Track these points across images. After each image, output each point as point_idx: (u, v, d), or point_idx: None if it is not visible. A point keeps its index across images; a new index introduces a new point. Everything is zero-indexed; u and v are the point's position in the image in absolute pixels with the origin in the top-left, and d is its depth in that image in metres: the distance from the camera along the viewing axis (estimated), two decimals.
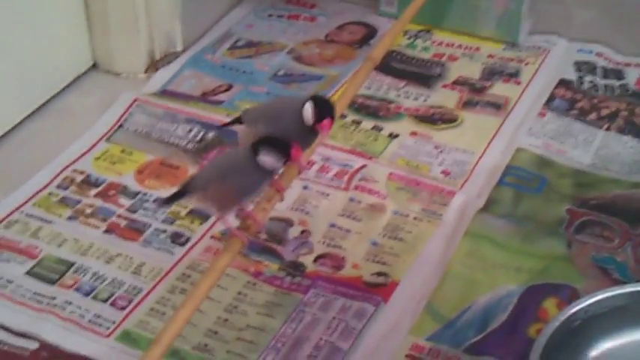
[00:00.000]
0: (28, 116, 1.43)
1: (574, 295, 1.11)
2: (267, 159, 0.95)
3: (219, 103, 1.46)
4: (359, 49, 1.59)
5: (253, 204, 1.01)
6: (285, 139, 0.95)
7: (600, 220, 1.23)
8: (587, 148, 1.36)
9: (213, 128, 1.38)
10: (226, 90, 1.49)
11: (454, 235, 1.21)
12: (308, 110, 0.98)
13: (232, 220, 1.01)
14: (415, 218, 1.24)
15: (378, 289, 1.14)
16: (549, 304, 1.11)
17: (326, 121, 0.99)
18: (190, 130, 1.39)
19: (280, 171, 1.00)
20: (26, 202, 1.26)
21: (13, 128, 1.40)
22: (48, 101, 1.46)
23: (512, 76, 1.51)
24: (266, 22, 1.67)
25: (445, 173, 1.32)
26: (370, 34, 1.63)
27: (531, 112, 1.43)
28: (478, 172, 1.32)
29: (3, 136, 1.38)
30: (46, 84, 1.46)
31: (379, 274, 1.16)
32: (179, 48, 1.57)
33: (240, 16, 1.68)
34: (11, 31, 1.36)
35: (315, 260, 1.18)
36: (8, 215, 1.24)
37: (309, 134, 1.01)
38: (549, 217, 1.24)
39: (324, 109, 0.99)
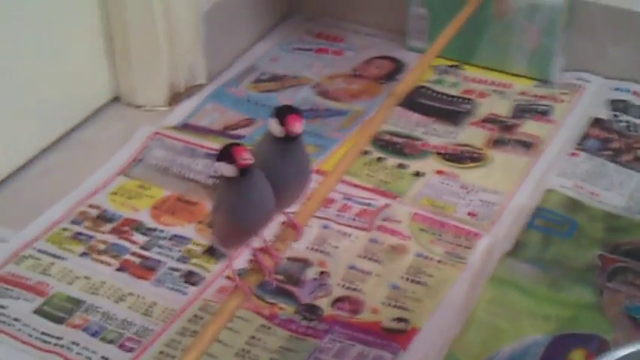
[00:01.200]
0: (47, 148, 1.41)
1: (603, 347, 1.06)
2: (218, 167, 0.88)
3: (240, 137, 1.42)
4: (385, 84, 1.55)
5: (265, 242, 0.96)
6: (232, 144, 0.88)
7: (634, 267, 1.17)
8: (621, 190, 1.30)
9: None
10: (248, 124, 1.46)
11: (479, 280, 1.16)
12: (272, 124, 0.91)
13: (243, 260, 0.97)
14: (439, 261, 1.19)
15: (397, 336, 1.09)
16: (577, 356, 1.05)
17: (290, 117, 0.90)
18: (209, 166, 1.35)
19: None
20: (39, 237, 1.23)
21: (32, 160, 1.38)
22: (67, 133, 1.44)
23: (544, 114, 1.46)
24: (291, 55, 1.63)
25: (471, 214, 1.27)
26: (398, 68, 1.60)
27: (563, 152, 1.38)
28: (506, 214, 1.27)
29: (21, 167, 1.36)
30: (66, 115, 1.44)
31: (399, 319, 1.11)
32: (202, 81, 1.54)
33: (265, 49, 1.65)
34: (34, 61, 1.34)
35: (333, 303, 1.14)
36: (20, 250, 1.21)
37: (287, 145, 0.93)
38: (579, 262, 1.18)
39: (284, 111, 0.91)
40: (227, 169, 0.88)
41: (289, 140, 0.92)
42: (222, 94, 1.53)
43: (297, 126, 0.90)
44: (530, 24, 1.50)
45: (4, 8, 1.28)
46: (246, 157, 0.86)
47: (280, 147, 0.92)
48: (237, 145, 0.87)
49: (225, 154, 0.87)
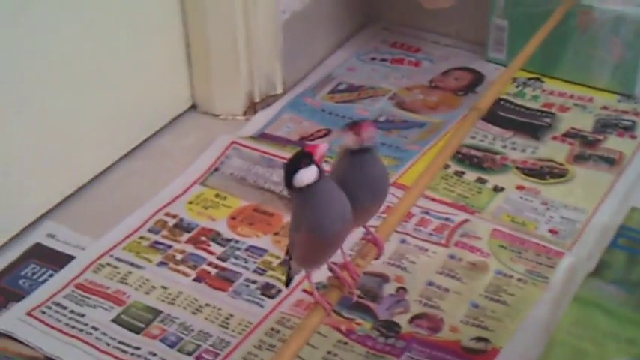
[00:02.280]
0: (125, 156, 1.41)
1: None
2: (301, 175, 0.84)
3: None
4: (464, 97, 1.53)
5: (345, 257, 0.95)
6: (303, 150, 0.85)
7: None
8: None
9: None
10: (325, 135, 1.45)
11: (561, 300, 1.13)
12: (348, 136, 0.88)
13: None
14: (519, 280, 1.17)
15: (478, 356, 1.07)
16: None
17: (364, 125, 0.87)
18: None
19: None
20: (117, 245, 1.24)
21: (109, 168, 1.39)
22: (145, 141, 1.45)
23: (627, 129, 1.42)
24: (369, 65, 1.62)
25: (552, 232, 1.24)
26: (476, 80, 1.57)
27: None
28: (588, 232, 1.23)
29: (98, 176, 1.37)
30: (143, 124, 1.44)
31: (479, 338, 1.09)
32: (279, 90, 1.53)
33: (342, 59, 1.64)
34: (112, 69, 1.35)
35: (411, 320, 1.12)
36: (98, 258, 1.22)
37: (364, 158, 0.90)
38: None
39: (358, 122, 0.89)
40: (308, 174, 0.84)
41: (365, 152, 0.89)
42: (299, 104, 1.52)
43: (372, 131, 0.88)
44: (615, 37, 1.47)
45: (85, 17, 1.29)
46: (322, 150, 0.84)
47: (357, 161, 0.90)
48: (307, 147, 0.85)
49: (300, 160, 0.84)
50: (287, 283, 0.99)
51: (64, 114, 1.29)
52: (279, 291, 1.16)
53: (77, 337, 1.10)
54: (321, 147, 0.85)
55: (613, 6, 1.47)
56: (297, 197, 0.87)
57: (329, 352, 1.08)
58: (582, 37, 1.49)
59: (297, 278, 1.15)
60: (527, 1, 1.52)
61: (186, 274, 1.19)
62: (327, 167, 0.88)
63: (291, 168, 0.85)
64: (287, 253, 0.94)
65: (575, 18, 1.49)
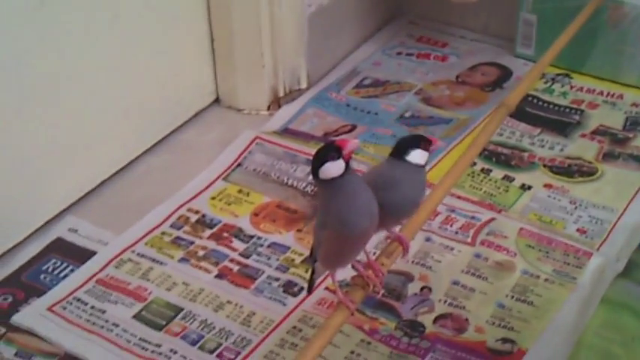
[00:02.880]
0: (148, 150, 1.40)
1: None
2: (327, 167, 0.83)
3: None
4: (491, 92, 1.51)
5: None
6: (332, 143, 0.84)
7: None
8: None
9: None
10: (350, 131, 1.43)
11: (590, 302, 1.11)
12: (416, 155, 0.89)
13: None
14: (546, 280, 1.14)
15: (503, 358, 1.05)
16: None
17: (432, 139, 0.90)
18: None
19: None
20: (139, 240, 1.23)
21: (132, 162, 1.38)
22: (168, 135, 1.43)
23: None
24: (394, 60, 1.60)
25: (581, 232, 1.22)
26: (504, 76, 1.55)
27: None
28: (618, 232, 1.21)
29: (120, 170, 1.36)
30: (167, 117, 1.43)
31: (505, 340, 1.07)
32: (303, 85, 1.52)
33: (368, 53, 1.62)
34: (136, 63, 1.34)
35: (435, 320, 1.10)
36: (120, 254, 1.21)
37: (418, 174, 0.91)
38: None
39: (419, 139, 0.90)
40: (336, 167, 0.82)
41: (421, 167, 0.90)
42: (324, 99, 1.50)
43: (438, 144, 0.91)
44: None
45: (110, 10, 1.28)
46: (352, 146, 0.82)
47: (413, 176, 0.90)
48: (338, 141, 0.83)
49: (328, 153, 0.82)
50: (310, 289, 0.97)
51: (86, 107, 1.28)
52: (302, 289, 1.15)
53: (97, 334, 1.09)
54: (352, 142, 0.83)
55: None
56: (324, 191, 0.85)
57: (352, 352, 1.06)
58: (612, 32, 1.47)
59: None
60: None
61: (208, 271, 1.18)
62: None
63: (319, 159, 0.83)
64: (311, 254, 0.91)
65: (606, 13, 1.46)
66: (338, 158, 0.82)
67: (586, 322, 1.08)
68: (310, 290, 0.97)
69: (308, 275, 0.96)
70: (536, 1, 1.52)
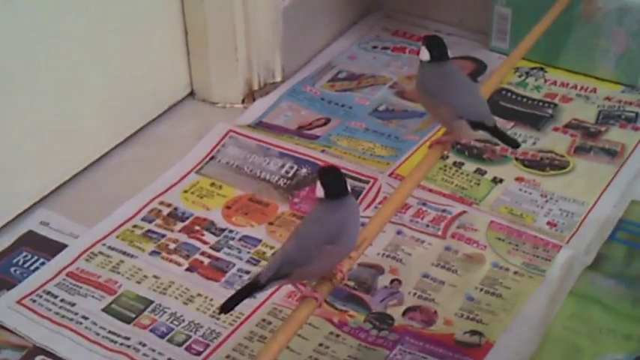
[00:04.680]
0: (121, 143, 1.40)
1: None
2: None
3: (315, 138, 1.40)
4: None
5: None
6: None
7: None
8: None
9: (307, 164, 1.32)
10: (324, 124, 1.43)
11: (558, 294, 1.11)
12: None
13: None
14: (516, 273, 1.15)
15: (471, 350, 1.05)
16: None
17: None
18: (283, 166, 1.33)
19: None
20: (110, 233, 1.23)
21: (105, 155, 1.37)
22: (142, 128, 1.43)
23: (630, 121, 1.40)
24: (370, 54, 1.60)
25: (551, 225, 1.22)
26: (479, 69, 1.55)
27: None
28: (587, 225, 1.22)
29: (93, 163, 1.36)
30: (141, 111, 1.43)
31: (473, 332, 1.08)
32: (278, 78, 1.52)
33: (343, 47, 1.62)
34: (109, 55, 1.34)
35: (405, 313, 1.10)
36: (91, 247, 1.21)
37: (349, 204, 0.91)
38: None
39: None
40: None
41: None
42: (298, 93, 1.50)
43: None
44: (619, 27, 1.44)
45: (84, 3, 1.27)
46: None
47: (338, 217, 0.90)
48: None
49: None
50: (229, 310, 0.92)
51: (60, 100, 1.28)
52: None
53: (67, 327, 1.09)
54: None
55: None
56: (331, 207, 0.90)
57: (320, 345, 1.06)
58: (586, 26, 1.47)
59: None
60: None
61: (178, 264, 1.18)
62: None
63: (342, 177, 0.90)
64: (274, 276, 0.90)
65: (579, 7, 1.46)
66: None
67: (554, 314, 1.09)
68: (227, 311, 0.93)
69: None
70: None
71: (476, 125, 1.03)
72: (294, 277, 0.90)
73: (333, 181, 0.90)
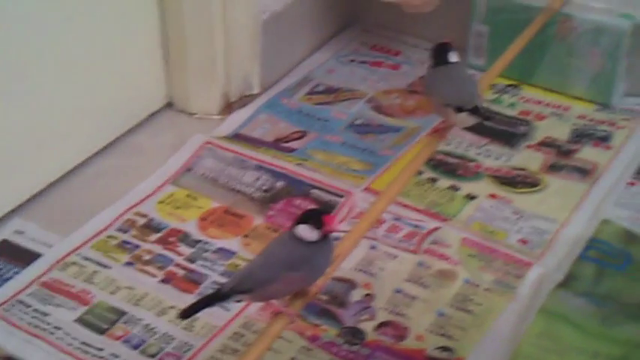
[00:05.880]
0: (98, 152, 1.40)
1: None
2: (302, 232, 0.90)
3: (292, 151, 1.40)
4: None
5: None
6: (321, 210, 0.92)
7: None
8: None
9: (283, 177, 1.33)
10: (300, 137, 1.44)
11: (528, 312, 1.13)
12: (304, 230, 0.90)
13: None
14: (487, 289, 1.16)
15: None
16: None
17: (327, 218, 0.90)
18: (259, 178, 1.34)
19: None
20: (85, 243, 1.23)
21: (81, 165, 1.38)
22: (119, 138, 1.43)
23: (603, 140, 1.42)
24: (347, 67, 1.61)
25: (523, 242, 1.24)
26: None
27: (621, 181, 1.33)
28: (558, 243, 1.23)
29: (69, 172, 1.36)
30: (118, 121, 1.43)
31: (444, 348, 1.09)
32: (256, 90, 1.52)
33: (321, 60, 1.63)
34: (87, 65, 1.34)
35: (377, 328, 1.11)
36: (65, 257, 1.21)
37: (322, 245, 0.92)
38: (633, 298, 1.14)
39: (315, 214, 0.91)
40: (307, 233, 0.89)
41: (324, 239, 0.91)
42: (276, 105, 1.51)
43: (335, 225, 0.92)
44: (594, 47, 1.46)
45: (63, 12, 1.28)
46: (336, 225, 0.90)
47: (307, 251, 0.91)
48: (325, 212, 0.91)
49: (312, 218, 0.89)
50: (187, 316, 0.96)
51: (37, 108, 1.28)
52: None
53: (39, 337, 1.09)
54: (337, 227, 0.95)
55: (593, 16, 1.46)
56: (303, 245, 0.90)
57: (292, 358, 1.07)
58: (561, 45, 1.49)
59: None
60: (509, 8, 1.52)
61: (153, 275, 1.19)
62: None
63: (300, 218, 0.90)
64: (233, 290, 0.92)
65: (555, 26, 1.48)
66: (318, 228, 0.89)
67: (523, 331, 1.10)
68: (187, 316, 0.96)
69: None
70: (488, 12, 1.54)
71: (458, 110, 1.10)
72: (257, 295, 0.92)
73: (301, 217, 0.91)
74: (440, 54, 1.15)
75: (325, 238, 0.90)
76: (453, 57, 1.14)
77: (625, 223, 1.26)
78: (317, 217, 0.89)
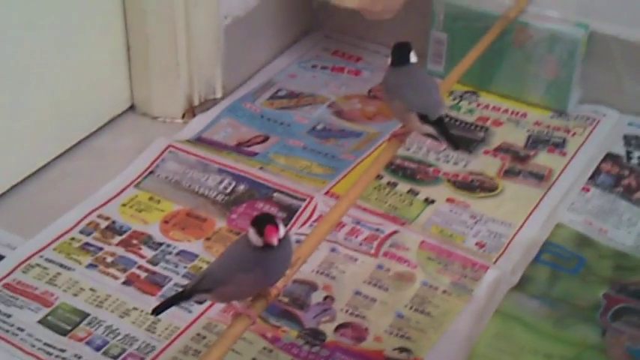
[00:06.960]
0: (60, 155, 1.41)
1: None
2: (251, 236, 0.91)
3: (254, 155, 1.42)
4: None
5: None
6: (268, 218, 0.91)
7: (638, 308, 1.16)
8: (630, 228, 1.30)
9: (245, 181, 1.35)
10: (262, 141, 1.46)
11: (484, 314, 1.16)
12: (252, 234, 0.91)
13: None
14: (444, 292, 1.19)
15: None
16: None
17: (268, 229, 0.90)
18: (221, 182, 1.35)
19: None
20: (47, 245, 1.24)
21: (44, 167, 1.38)
22: (82, 141, 1.44)
23: (558, 146, 1.46)
24: (309, 72, 1.64)
25: (479, 245, 1.27)
26: None
27: (575, 187, 1.37)
28: (514, 246, 1.26)
29: (33, 174, 1.36)
30: (81, 123, 1.44)
31: (402, 349, 1.11)
32: (218, 95, 1.54)
33: (283, 65, 1.65)
34: (50, 68, 1.35)
35: (337, 329, 1.14)
36: (28, 259, 1.22)
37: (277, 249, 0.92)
38: (585, 301, 1.18)
39: (262, 222, 0.91)
40: (256, 240, 0.90)
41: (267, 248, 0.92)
42: (238, 109, 1.53)
43: (275, 238, 0.90)
44: (550, 55, 1.50)
45: (27, 15, 1.28)
46: (274, 238, 0.89)
47: (259, 255, 0.92)
48: (273, 223, 0.90)
49: (259, 225, 0.90)
50: (159, 312, 0.99)
51: None
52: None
53: (2, 338, 1.10)
54: (275, 238, 0.90)
55: (549, 24, 1.50)
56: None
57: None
58: (518, 52, 1.53)
59: None
60: (467, 16, 1.55)
61: (115, 277, 1.20)
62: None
63: (252, 221, 0.91)
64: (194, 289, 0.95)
65: (512, 34, 1.52)
66: (261, 235, 0.90)
67: (479, 332, 1.13)
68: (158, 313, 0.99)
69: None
70: (447, 20, 1.57)
71: (422, 117, 1.10)
72: (216, 296, 0.94)
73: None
74: (400, 53, 1.14)
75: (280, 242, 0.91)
76: (414, 57, 1.14)
77: (579, 228, 1.29)
78: (262, 225, 0.90)
